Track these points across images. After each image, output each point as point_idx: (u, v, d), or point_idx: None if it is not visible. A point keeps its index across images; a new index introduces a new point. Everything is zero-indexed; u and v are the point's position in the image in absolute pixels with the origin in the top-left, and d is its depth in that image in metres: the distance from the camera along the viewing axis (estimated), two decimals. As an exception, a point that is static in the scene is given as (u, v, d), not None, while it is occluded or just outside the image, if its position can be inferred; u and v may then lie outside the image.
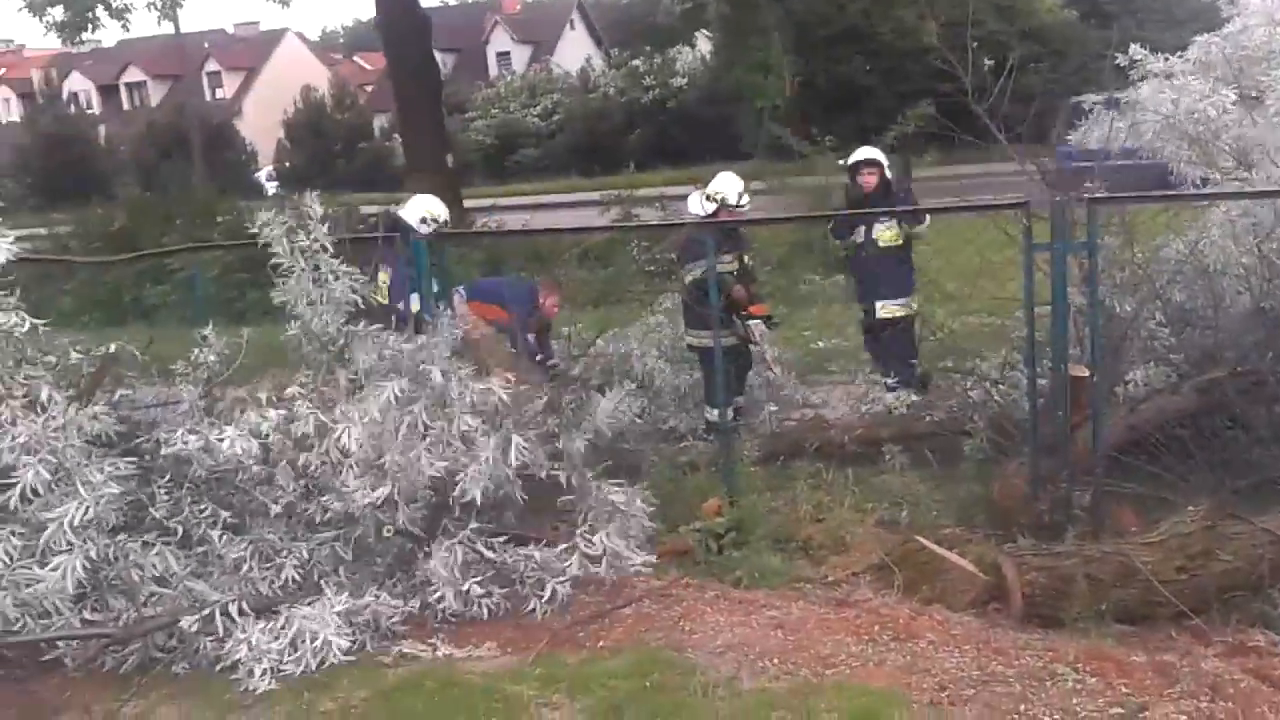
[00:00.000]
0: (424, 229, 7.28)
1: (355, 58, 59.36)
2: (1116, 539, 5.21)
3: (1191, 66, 8.18)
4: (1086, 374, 5.79)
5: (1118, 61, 8.74)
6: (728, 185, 7.70)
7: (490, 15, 53.32)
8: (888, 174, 8.21)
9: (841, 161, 9.40)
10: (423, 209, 7.45)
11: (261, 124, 44.46)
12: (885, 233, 7.93)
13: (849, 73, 26.96)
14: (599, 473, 4.94)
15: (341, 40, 68.63)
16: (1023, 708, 3.60)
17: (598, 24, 54.61)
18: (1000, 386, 6.74)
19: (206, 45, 51.29)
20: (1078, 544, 5.20)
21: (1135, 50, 8.51)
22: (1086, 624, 4.63)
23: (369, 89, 48.33)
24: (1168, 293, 6.88)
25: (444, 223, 7.47)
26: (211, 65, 51.94)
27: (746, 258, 8.09)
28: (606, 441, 5.13)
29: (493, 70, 49.60)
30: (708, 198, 7.66)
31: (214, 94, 51.27)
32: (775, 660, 3.97)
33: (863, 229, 8.02)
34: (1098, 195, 5.81)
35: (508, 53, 52.36)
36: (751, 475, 6.39)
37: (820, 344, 10.12)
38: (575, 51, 49.10)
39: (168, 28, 27.26)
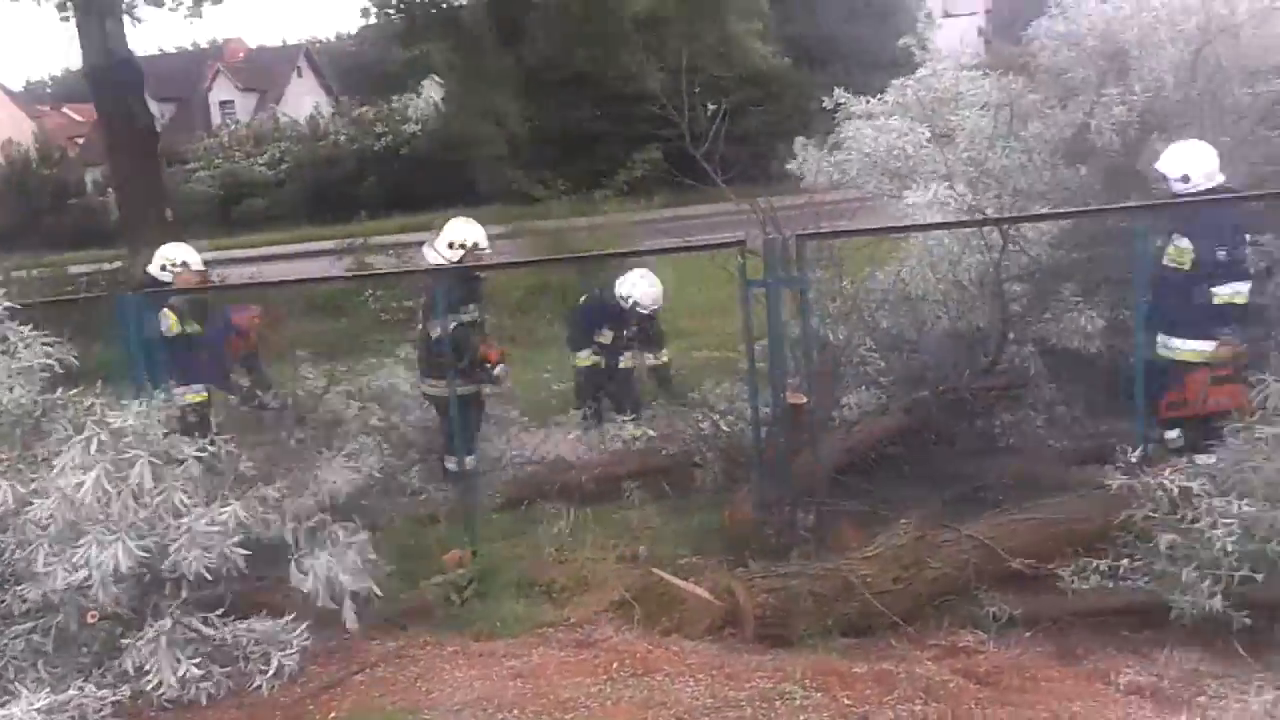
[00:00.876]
0: (165, 276, 7.29)
1: (65, 109, 55.66)
2: (839, 556, 5.47)
3: (890, 108, 8.83)
4: (804, 400, 6.09)
5: (824, 105, 9.35)
6: (472, 231, 7.50)
7: (212, 63, 51.29)
8: None
9: None
10: (162, 257, 7.44)
11: (-43, 182, 40.83)
12: None
13: (579, 118, 27.53)
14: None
15: (49, 90, 64.05)
16: (755, 728, 3.71)
17: (326, 72, 53.49)
18: (728, 417, 6.96)
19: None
20: (802, 563, 5.42)
21: (840, 94, 9.11)
22: (814, 640, 4.83)
23: (79, 141, 45.40)
24: (875, 320, 7.34)
25: (185, 265, 7.44)
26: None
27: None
28: (341, 498, 4.96)
29: (216, 119, 47.65)
30: (450, 245, 7.43)
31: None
32: (514, 711, 3.93)
33: None
34: (804, 231, 6.15)
35: (231, 101, 50.47)
36: (494, 523, 6.35)
37: (558, 386, 10.20)
38: (303, 99, 47.85)
39: None
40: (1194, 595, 4.65)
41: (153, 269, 7.49)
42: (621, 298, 8.24)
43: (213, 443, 4.51)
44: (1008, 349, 6.83)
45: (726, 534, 6.11)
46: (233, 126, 39.78)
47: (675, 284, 9.93)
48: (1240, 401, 5.32)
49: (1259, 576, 4.63)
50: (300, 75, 53.53)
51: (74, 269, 17.28)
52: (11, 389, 4.90)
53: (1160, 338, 6.04)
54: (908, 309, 7.47)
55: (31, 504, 4.38)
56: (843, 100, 9.03)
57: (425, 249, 7.76)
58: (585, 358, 8.51)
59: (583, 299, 8.94)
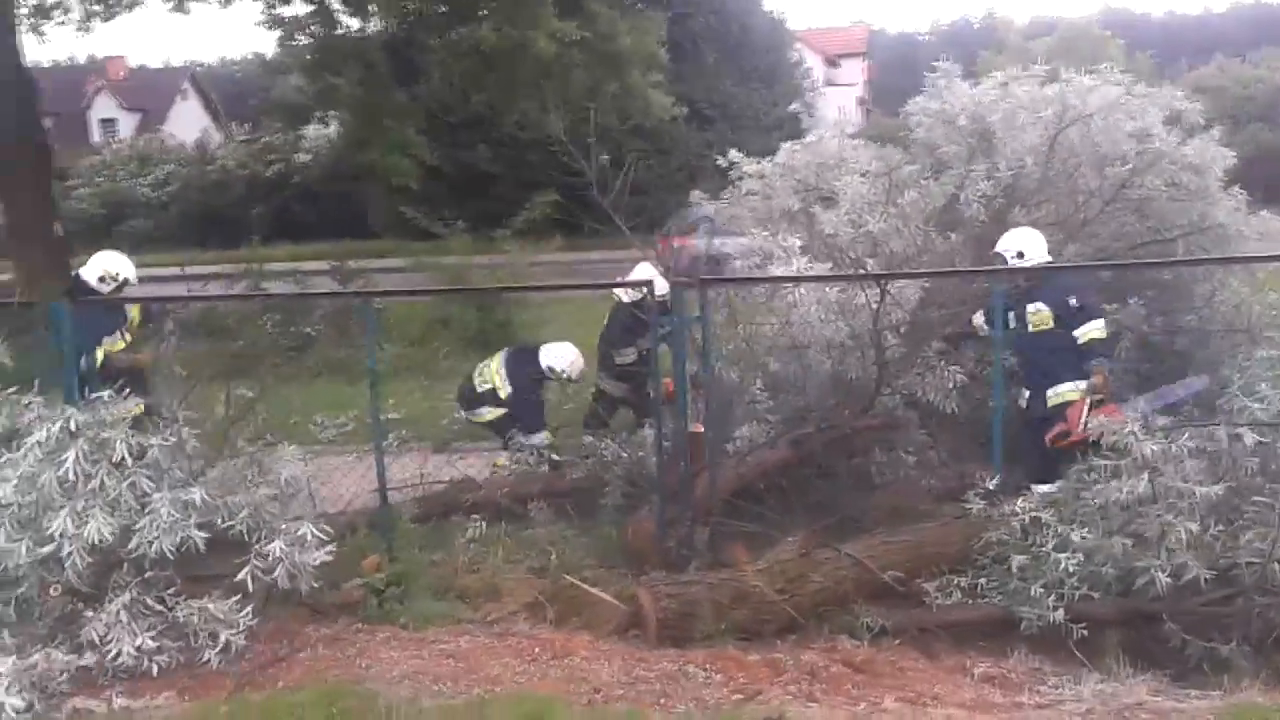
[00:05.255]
0: (104, 287, 7.20)
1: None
2: (731, 570, 6.06)
3: (780, 170, 9.57)
4: (702, 430, 6.71)
5: (718, 162, 10.09)
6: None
7: (93, 80, 50.24)
8: None
9: None
10: (101, 267, 7.32)
11: None
12: None
13: (474, 159, 28.02)
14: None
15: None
16: (663, 700, 4.26)
17: (212, 95, 52.86)
18: (632, 443, 7.52)
19: None
20: (699, 574, 6.00)
21: (733, 154, 9.86)
22: (710, 641, 5.37)
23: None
24: (766, 363, 7.99)
25: (125, 281, 7.36)
26: None
27: None
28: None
29: (95, 136, 46.62)
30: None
31: None
32: (449, 683, 4.39)
33: None
34: (707, 278, 6.81)
35: (113, 120, 49.52)
36: (409, 534, 6.74)
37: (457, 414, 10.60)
38: (187, 122, 47.22)
39: None
40: (1040, 609, 5.38)
41: (88, 275, 7.37)
42: (548, 369, 8.39)
43: (174, 434, 4.85)
44: (881, 396, 7.50)
45: (629, 549, 6.64)
46: (115, 145, 38.92)
47: (570, 325, 10.53)
48: (1119, 418, 5.88)
49: (1095, 595, 5.39)
50: (185, 98, 52.80)
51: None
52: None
53: (1049, 391, 6.80)
54: (794, 355, 8.13)
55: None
56: (735, 160, 9.78)
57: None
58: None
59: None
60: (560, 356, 8.44)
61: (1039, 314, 6.84)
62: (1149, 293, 8.03)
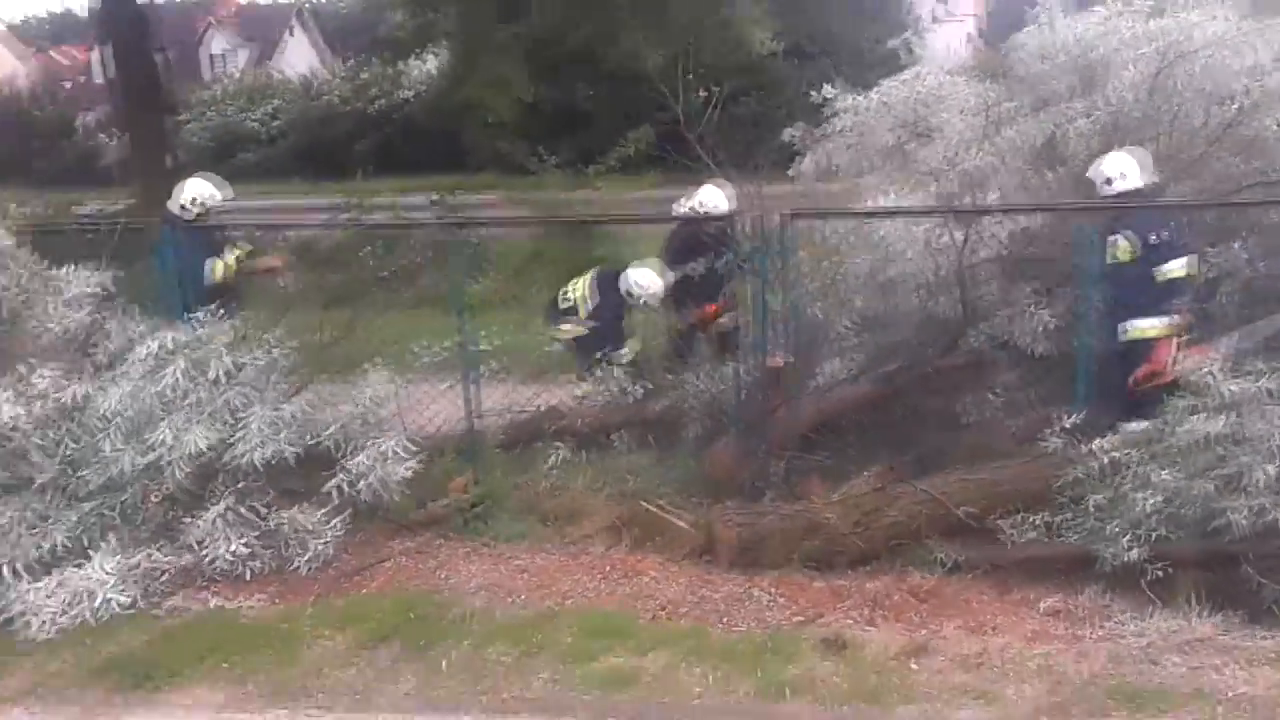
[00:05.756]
0: (186, 214, 7.32)
1: (53, 52, 55.43)
2: (806, 502, 6.12)
3: (876, 106, 9.43)
4: (782, 364, 6.73)
5: (812, 98, 9.96)
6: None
7: (205, 16, 51.28)
8: None
9: None
10: (183, 194, 7.44)
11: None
12: None
13: (572, 96, 28.00)
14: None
15: (44, 29, 63.41)
16: (725, 620, 4.39)
17: (320, 31, 53.57)
18: (713, 377, 7.58)
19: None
20: (774, 505, 6.08)
21: (827, 89, 9.72)
22: (780, 569, 5.46)
23: (67, 84, 45.31)
24: (851, 299, 7.95)
25: (206, 205, 7.46)
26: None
27: None
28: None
29: (206, 72, 47.69)
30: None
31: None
32: (523, 596, 4.59)
33: None
34: (795, 210, 6.79)
35: (225, 55, 50.53)
36: (495, 457, 6.94)
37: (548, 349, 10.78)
38: (297, 57, 47.98)
39: None
40: (1116, 548, 5.34)
41: (171, 204, 7.51)
42: (626, 291, 8.22)
43: (270, 351, 5.08)
44: (969, 336, 7.41)
45: (706, 479, 6.72)
46: (226, 80, 39.81)
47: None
48: (1209, 358, 5.77)
49: (1173, 536, 5.33)
50: (293, 34, 53.64)
51: (78, 208, 17.64)
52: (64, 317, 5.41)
53: (1121, 325, 6.65)
54: (881, 291, 8.08)
55: (91, 403, 4.96)
56: (831, 95, 9.65)
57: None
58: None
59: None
60: (639, 278, 8.46)
61: (1117, 246, 6.67)
62: (1252, 236, 7.77)
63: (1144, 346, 6.59)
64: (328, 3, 60.36)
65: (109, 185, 24.16)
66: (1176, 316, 6.47)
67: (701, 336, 8.30)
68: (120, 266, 6.42)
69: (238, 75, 41.34)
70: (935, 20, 42.20)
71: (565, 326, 8.58)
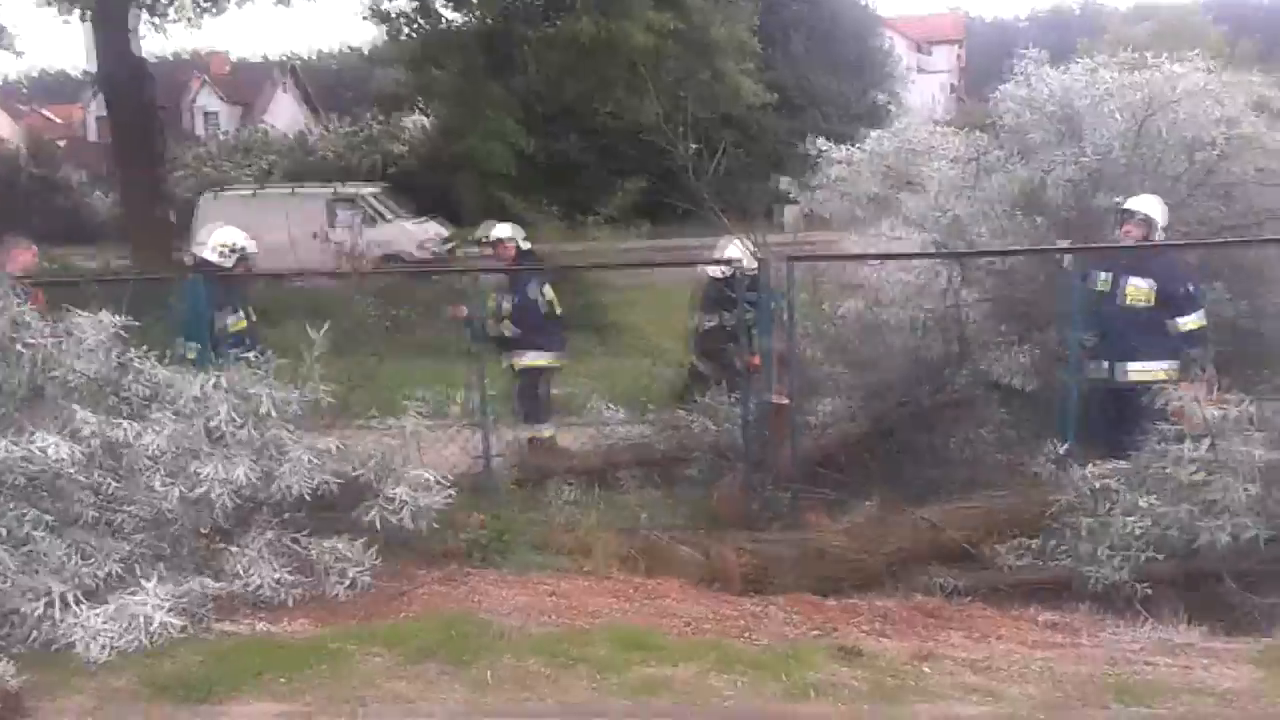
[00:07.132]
0: (225, 262, 7.48)
1: (44, 110, 56.11)
2: (810, 531, 6.43)
3: (867, 156, 9.83)
4: (786, 402, 7.07)
5: (805, 150, 10.36)
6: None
7: (196, 74, 52.01)
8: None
9: None
10: (218, 241, 7.58)
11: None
12: None
13: (565, 148, 28.63)
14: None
15: (24, 91, 63.90)
16: (748, 634, 4.69)
17: (306, 88, 54.34)
18: (719, 415, 7.90)
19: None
20: (781, 534, 6.39)
21: (820, 142, 10.13)
22: (789, 594, 5.75)
23: (60, 143, 45.84)
24: (847, 340, 8.30)
25: (244, 252, 7.58)
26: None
27: None
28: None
29: (199, 129, 48.34)
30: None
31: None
32: (554, 615, 4.87)
33: None
34: (794, 255, 7.16)
35: (215, 112, 51.24)
36: (509, 494, 7.24)
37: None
38: (286, 114, 48.68)
39: None
40: (1105, 569, 5.65)
41: (207, 254, 7.60)
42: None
43: (315, 389, 5.39)
44: (959, 375, 7.74)
45: (713, 513, 7.05)
46: (221, 136, 40.45)
47: (651, 309, 10.94)
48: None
49: (1159, 557, 5.65)
50: (284, 90, 54.39)
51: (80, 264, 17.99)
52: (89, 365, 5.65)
53: (1121, 366, 6.95)
54: (875, 332, 8.42)
55: (139, 440, 5.24)
56: (824, 148, 10.06)
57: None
58: None
59: None
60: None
61: (1138, 290, 6.97)
62: (1231, 276, 8.13)
63: (1142, 389, 6.73)
64: (314, 60, 61.24)
65: (100, 240, 24.59)
66: (1199, 369, 6.47)
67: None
68: (135, 315, 6.63)
69: (231, 132, 42.00)
70: (919, 70, 43.16)
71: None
